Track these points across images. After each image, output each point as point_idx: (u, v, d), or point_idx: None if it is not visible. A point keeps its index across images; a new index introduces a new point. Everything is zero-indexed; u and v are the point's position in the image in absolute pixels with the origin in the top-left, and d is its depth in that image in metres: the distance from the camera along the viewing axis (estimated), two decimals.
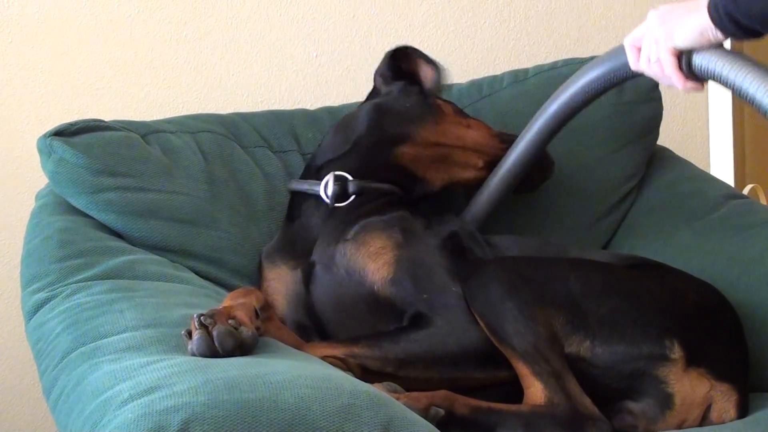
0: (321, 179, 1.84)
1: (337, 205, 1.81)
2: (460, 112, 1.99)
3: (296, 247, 1.83)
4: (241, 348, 1.38)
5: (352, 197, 1.82)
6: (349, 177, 1.83)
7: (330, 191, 1.82)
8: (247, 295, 1.58)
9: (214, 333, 1.37)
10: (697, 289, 1.73)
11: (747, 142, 2.81)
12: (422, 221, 1.80)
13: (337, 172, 1.84)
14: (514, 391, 1.57)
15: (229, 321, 1.40)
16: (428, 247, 1.74)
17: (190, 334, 1.39)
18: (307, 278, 1.76)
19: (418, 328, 1.63)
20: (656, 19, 1.57)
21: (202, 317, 1.39)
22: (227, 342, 1.37)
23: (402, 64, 1.99)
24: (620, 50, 1.68)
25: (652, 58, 1.59)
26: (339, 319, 1.72)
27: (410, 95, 1.94)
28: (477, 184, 1.96)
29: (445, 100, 2.00)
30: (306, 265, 1.78)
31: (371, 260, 1.70)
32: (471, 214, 1.94)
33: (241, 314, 1.45)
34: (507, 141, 1.94)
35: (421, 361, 1.61)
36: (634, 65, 1.64)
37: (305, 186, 1.87)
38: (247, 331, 1.40)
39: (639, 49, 1.62)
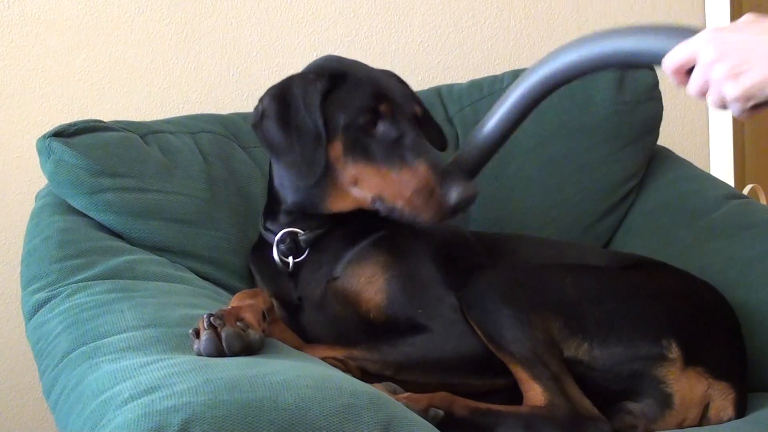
0: (276, 233, 1.75)
1: (295, 261, 1.73)
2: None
3: (263, 275, 1.80)
4: (248, 350, 1.38)
5: (306, 251, 1.73)
6: (300, 232, 1.73)
7: (280, 252, 1.73)
8: (255, 296, 1.58)
9: (223, 334, 1.37)
10: (694, 289, 1.73)
11: (747, 142, 2.81)
12: (410, 232, 1.75)
13: (287, 230, 1.74)
14: (513, 398, 1.57)
15: (238, 323, 1.40)
16: (419, 259, 1.72)
17: (197, 334, 1.40)
18: (292, 310, 1.74)
19: (415, 333, 1.62)
20: (712, 48, 1.28)
21: (211, 318, 1.39)
22: (235, 344, 1.37)
23: None
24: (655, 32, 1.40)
25: (713, 100, 1.31)
26: (335, 339, 1.69)
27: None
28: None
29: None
30: (283, 297, 1.74)
31: (364, 290, 1.67)
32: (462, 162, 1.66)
33: (250, 316, 1.45)
34: None
35: (419, 366, 1.61)
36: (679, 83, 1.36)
37: (268, 235, 1.78)
38: (254, 334, 1.41)
39: (686, 74, 1.34)
